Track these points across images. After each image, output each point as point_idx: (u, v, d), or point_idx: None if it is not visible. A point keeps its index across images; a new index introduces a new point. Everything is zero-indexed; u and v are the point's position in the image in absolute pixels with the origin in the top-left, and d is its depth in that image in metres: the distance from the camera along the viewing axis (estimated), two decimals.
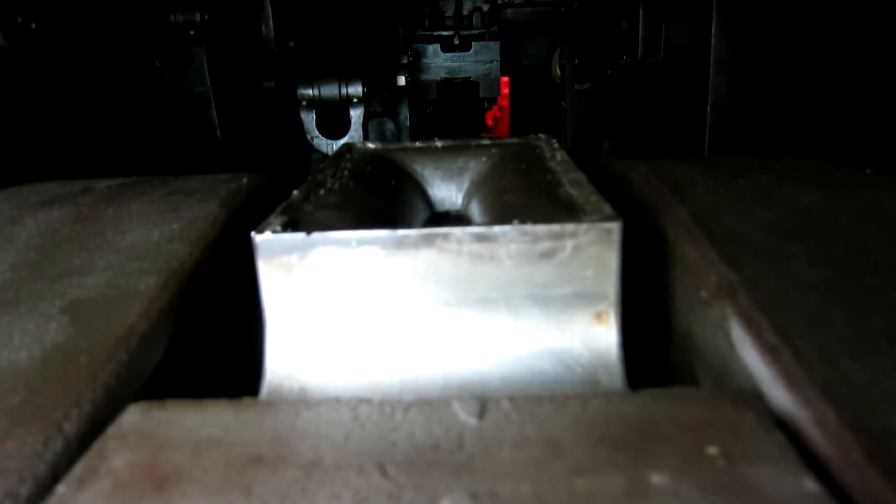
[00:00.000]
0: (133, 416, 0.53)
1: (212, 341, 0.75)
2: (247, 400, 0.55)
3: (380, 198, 0.83)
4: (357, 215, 0.71)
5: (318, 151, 1.97)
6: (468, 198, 0.94)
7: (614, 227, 0.62)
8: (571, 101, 2.15)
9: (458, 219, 0.94)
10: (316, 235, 0.63)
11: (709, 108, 1.50)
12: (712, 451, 0.45)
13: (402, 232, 0.63)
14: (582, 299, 0.64)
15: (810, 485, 0.42)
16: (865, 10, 1.47)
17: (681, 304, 0.69)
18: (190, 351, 0.69)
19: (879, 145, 1.47)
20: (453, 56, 2.43)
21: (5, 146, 1.30)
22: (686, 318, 0.68)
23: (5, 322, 0.64)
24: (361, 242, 0.63)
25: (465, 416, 0.51)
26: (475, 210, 0.89)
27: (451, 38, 2.42)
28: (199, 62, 1.68)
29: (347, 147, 1.02)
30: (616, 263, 0.63)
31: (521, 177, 0.85)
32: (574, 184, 0.76)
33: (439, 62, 2.43)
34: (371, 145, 1.02)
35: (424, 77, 2.43)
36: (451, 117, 2.63)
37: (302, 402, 0.54)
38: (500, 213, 0.76)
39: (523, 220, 0.63)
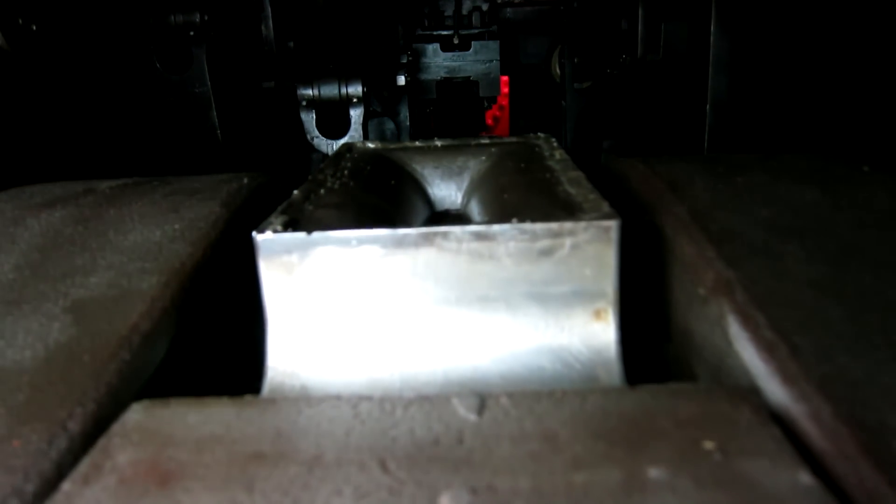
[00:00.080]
0: (136, 414, 0.53)
1: (214, 340, 0.76)
2: (248, 398, 0.55)
3: (380, 197, 0.83)
4: (357, 215, 0.71)
5: (318, 151, 1.97)
6: (468, 197, 0.94)
7: (612, 225, 0.63)
8: (571, 100, 2.16)
9: (457, 218, 0.94)
10: (316, 235, 0.64)
11: (708, 107, 1.51)
12: (709, 445, 0.46)
13: (401, 231, 0.63)
14: (581, 297, 0.64)
15: (805, 478, 0.42)
16: (864, 9, 1.48)
17: (679, 302, 0.70)
18: (192, 350, 0.70)
19: (878, 143, 1.47)
20: (453, 55, 2.43)
21: (7, 148, 1.31)
22: (684, 315, 0.68)
23: (9, 322, 0.64)
24: (361, 241, 0.64)
25: (465, 412, 0.51)
26: (475, 209, 0.90)
27: (450, 37, 2.42)
28: (199, 62, 1.69)
29: (347, 147, 1.03)
30: (614, 261, 0.64)
31: (520, 176, 0.85)
32: (573, 182, 0.77)
33: (439, 62, 2.43)
34: (371, 145, 1.03)
35: (424, 76, 2.43)
36: (451, 117, 2.63)
37: (303, 399, 0.54)
38: (500, 212, 0.77)
39: (522, 219, 0.63)
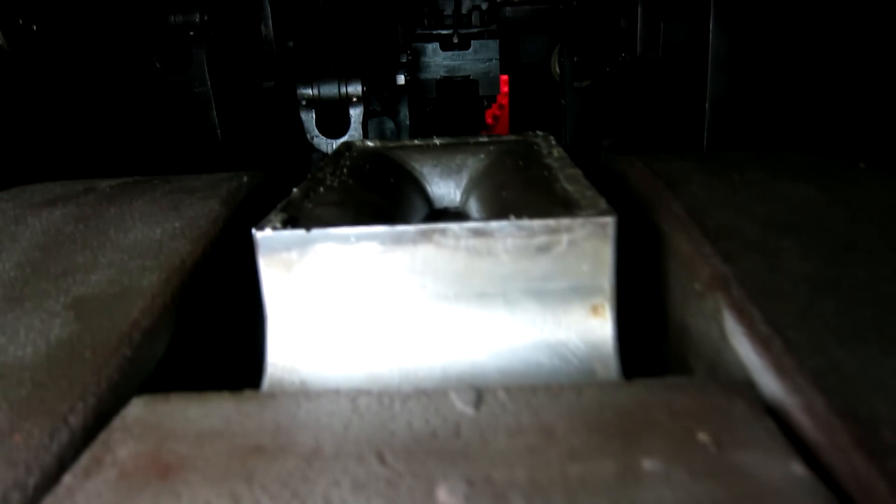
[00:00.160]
0: (137, 409, 0.54)
1: (214, 336, 0.76)
2: (248, 392, 0.56)
3: (379, 195, 0.84)
4: (356, 212, 0.72)
5: (317, 150, 1.98)
6: (466, 194, 0.95)
7: (609, 222, 0.63)
8: (571, 98, 2.16)
9: (456, 215, 0.95)
10: (315, 232, 0.64)
11: (707, 105, 1.51)
12: (703, 437, 0.46)
13: (400, 228, 0.64)
14: (578, 293, 0.65)
15: (798, 469, 0.43)
16: (863, 7, 1.48)
17: (675, 297, 0.70)
18: (192, 346, 0.70)
19: (876, 141, 1.48)
20: (452, 54, 2.44)
21: (8, 147, 1.31)
22: (681, 310, 0.69)
23: (11, 319, 0.65)
24: (360, 238, 0.64)
25: (462, 405, 0.52)
26: (473, 206, 0.90)
27: (450, 36, 2.42)
28: (199, 62, 1.69)
29: (347, 145, 1.03)
30: (611, 257, 0.64)
31: (518, 173, 0.86)
32: (570, 179, 0.77)
33: (438, 61, 2.44)
34: (370, 143, 1.03)
35: (424, 76, 2.44)
36: (450, 116, 2.63)
37: (302, 393, 0.55)
38: (498, 209, 0.77)
39: (520, 216, 0.64)
